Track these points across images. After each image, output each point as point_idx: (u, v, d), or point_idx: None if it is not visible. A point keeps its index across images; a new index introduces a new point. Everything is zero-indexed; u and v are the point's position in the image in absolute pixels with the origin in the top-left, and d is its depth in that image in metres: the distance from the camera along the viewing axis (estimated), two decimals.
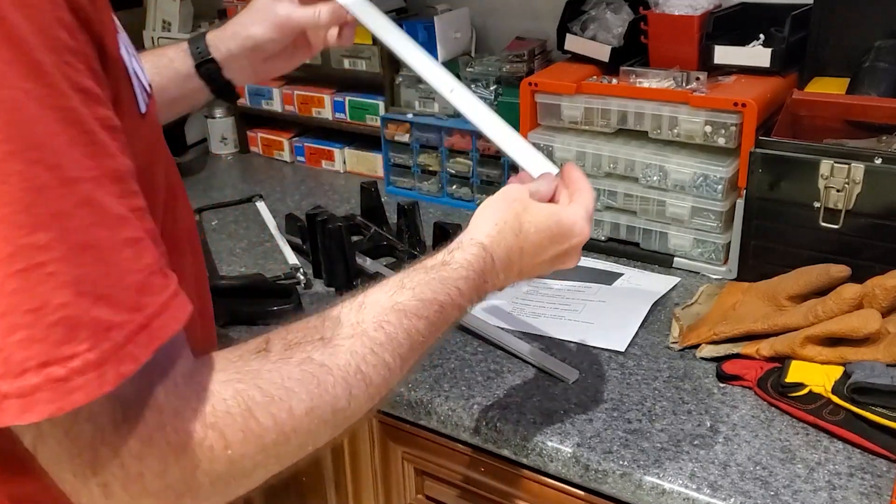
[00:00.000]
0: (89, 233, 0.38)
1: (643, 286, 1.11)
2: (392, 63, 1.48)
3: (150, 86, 0.56)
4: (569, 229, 0.69)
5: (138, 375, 0.39)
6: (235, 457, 0.44)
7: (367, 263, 1.16)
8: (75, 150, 0.38)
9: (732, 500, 0.73)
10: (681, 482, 0.76)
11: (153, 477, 0.41)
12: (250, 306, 1.07)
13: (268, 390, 0.46)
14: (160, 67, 0.89)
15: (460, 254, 0.64)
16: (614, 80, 1.16)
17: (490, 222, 0.67)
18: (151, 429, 0.41)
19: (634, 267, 1.17)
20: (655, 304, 1.06)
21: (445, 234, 1.11)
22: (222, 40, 0.90)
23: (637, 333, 1.00)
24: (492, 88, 1.35)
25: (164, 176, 0.59)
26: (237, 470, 0.45)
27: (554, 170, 0.75)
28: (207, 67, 0.90)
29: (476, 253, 0.64)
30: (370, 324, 0.54)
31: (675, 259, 1.16)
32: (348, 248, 1.12)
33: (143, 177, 0.45)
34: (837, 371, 0.83)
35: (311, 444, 0.50)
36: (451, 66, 1.41)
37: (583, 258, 1.19)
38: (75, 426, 0.39)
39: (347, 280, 1.12)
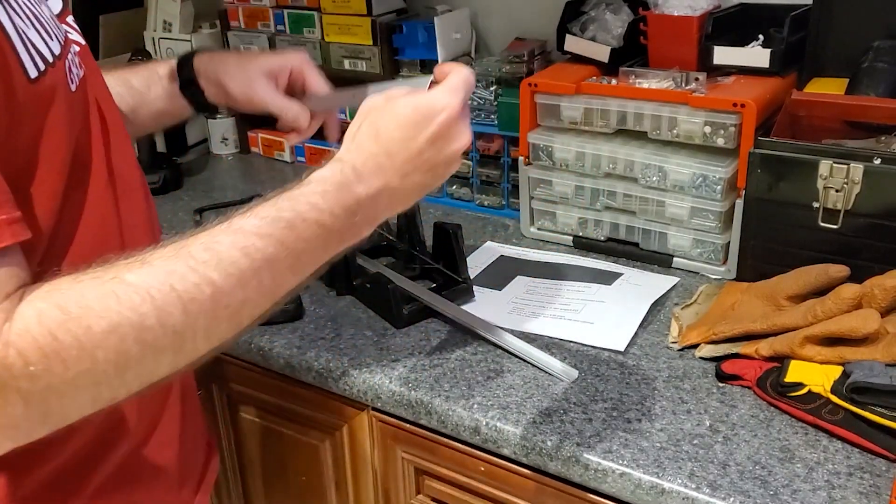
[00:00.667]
0: None
1: (642, 286, 1.11)
2: (392, 64, 1.48)
3: (52, 53, 0.58)
4: (428, 107, 0.65)
5: None
6: (38, 372, 0.47)
7: (367, 263, 1.17)
8: None
9: (732, 499, 0.74)
10: (680, 482, 0.76)
11: None
12: None
13: (66, 307, 0.49)
14: (150, 81, 0.92)
15: (316, 172, 0.63)
16: (614, 81, 1.16)
17: (346, 139, 0.66)
18: None
19: (634, 267, 1.17)
20: (655, 303, 1.06)
21: (445, 234, 1.11)
22: (206, 73, 0.91)
23: (636, 333, 1.00)
24: (492, 89, 1.35)
25: (69, 153, 0.61)
26: (47, 389, 0.48)
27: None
28: (192, 90, 0.92)
29: (331, 167, 0.63)
30: (198, 245, 0.54)
31: (675, 259, 1.16)
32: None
33: (14, 144, 0.52)
34: (836, 371, 0.83)
35: (134, 366, 0.51)
36: None
37: (582, 258, 1.21)
38: None
39: (348, 280, 1.12)
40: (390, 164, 0.64)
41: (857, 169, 0.95)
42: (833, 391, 0.81)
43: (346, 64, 1.53)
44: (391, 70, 1.48)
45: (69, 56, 0.62)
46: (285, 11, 1.57)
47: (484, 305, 1.08)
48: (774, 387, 0.85)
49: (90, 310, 0.49)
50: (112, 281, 0.51)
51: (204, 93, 0.92)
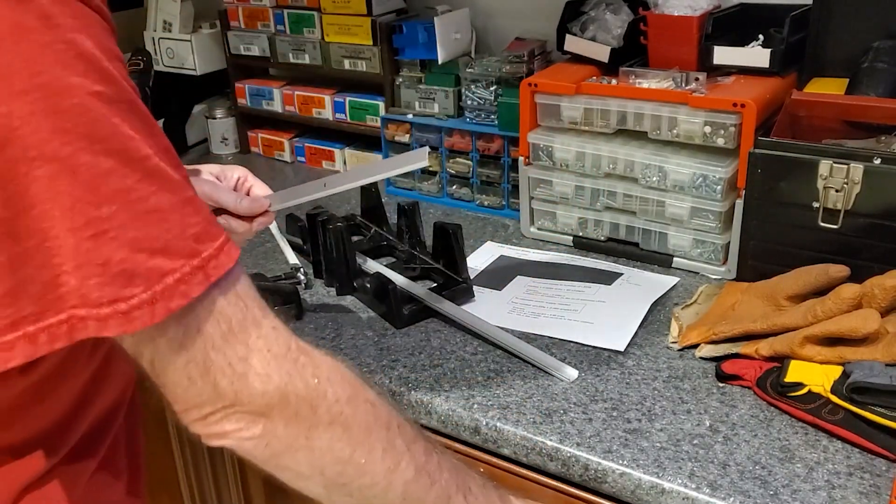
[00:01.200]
0: (151, 200, 0.49)
1: (642, 286, 1.11)
2: (392, 64, 1.48)
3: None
4: None
5: (216, 301, 0.52)
6: (320, 387, 0.57)
7: (368, 263, 1.17)
8: (137, 135, 0.49)
9: (732, 499, 0.74)
10: (680, 481, 0.76)
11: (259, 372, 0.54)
12: None
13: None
14: None
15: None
16: (614, 81, 1.16)
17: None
18: (251, 336, 0.54)
19: (634, 267, 1.17)
20: (655, 303, 1.06)
21: (445, 234, 1.11)
22: None
23: (636, 333, 1.00)
24: (492, 89, 1.35)
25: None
26: (314, 403, 0.56)
27: None
28: None
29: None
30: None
31: (675, 259, 1.16)
32: (348, 248, 1.12)
33: None
34: (836, 371, 0.83)
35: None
36: (451, 66, 1.42)
37: (582, 258, 1.21)
38: (186, 337, 0.52)
39: (348, 280, 1.13)
40: None
41: (857, 169, 0.95)
42: (833, 391, 0.81)
43: (347, 64, 1.53)
44: (391, 70, 1.48)
45: None
46: (285, 11, 1.57)
47: (484, 305, 1.08)
48: (774, 387, 0.85)
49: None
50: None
51: None
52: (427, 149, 0.79)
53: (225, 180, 0.91)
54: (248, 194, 0.91)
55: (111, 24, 0.51)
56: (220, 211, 0.89)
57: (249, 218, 0.89)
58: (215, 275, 0.51)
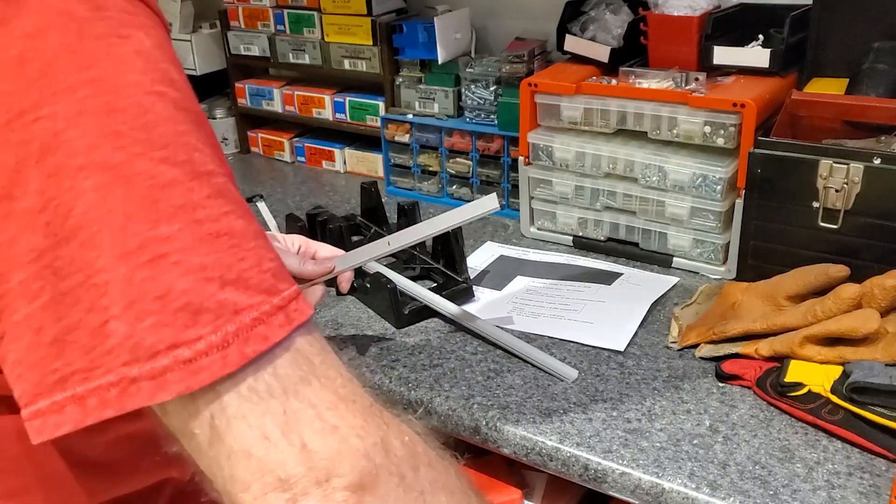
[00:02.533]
0: (223, 221, 0.40)
1: (642, 286, 1.11)
2: (392, 64, 1.48)
3: None
4: None
5: (298, 345, 0.41)
6: (412, 445, 0.45)
7: (368, 263, 1.16)
8: (207, 147, 0.42)
9: (731, 499, 0.74)
10: (680, 481, 0.76)
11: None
12: None
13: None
14: None
15: None
16: (614, 81, 1.16)
17: None
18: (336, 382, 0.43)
19: (634, 267, 1.17)
20: (654, 303, 1.06)
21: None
22: None
23: (636, 333, 1.00)
24: (492, 89, 1.35)
25: None
26: (414, 463, 0.44)
27: None
28: None
29: None
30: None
31: (675, 259, 1.16)
32: (349, 248, 1.12)
33: None
34: (836, 371, 0.83)
35: None
36: (451, 66, 1.42)
37: (582, 258, 1.21)
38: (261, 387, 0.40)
39: None
40: None
41: (857, 169, 0.95)
42: (833, 391, 0.81)
43: (346, 64, 1.53)
44: (391, 70, 1.48)
45: None
46: (285, 11, 1.57)
47: (484, 305, 1.08)
48: (774, 387, 0.85)
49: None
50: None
51: None
52: (495, 195, 0.78)
53: (285, 246, 0.86)
54: (313, 258, 0.86)
55: (167, 27, 0.46)
56: None
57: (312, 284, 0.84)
58: (298, 319, 0.41)
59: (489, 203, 0.81)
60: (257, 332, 0.39)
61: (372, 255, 0.85)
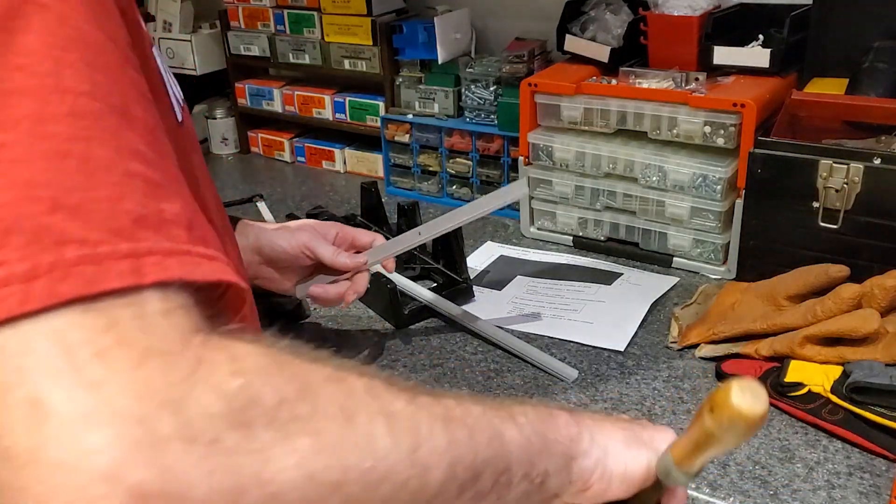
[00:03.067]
0: (79, 144, 0.34)
1: (642, 286, 1.11)
2: (392, 64, 1.48)
3: (183, 100, 0.56)
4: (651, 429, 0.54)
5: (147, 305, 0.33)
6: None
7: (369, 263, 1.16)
8: (100, 74, 0.37)
9: (731, 499, 0.74)
10: None
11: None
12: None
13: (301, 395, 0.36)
14: None
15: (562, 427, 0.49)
16: (614, 81, 1.16)
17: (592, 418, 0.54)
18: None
19: (634, 267, 1.17)
20: (655, 303, 1.06)
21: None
22: (246, 247, 0.87)
23: (636, 333, 1.00)
24: (492, 89, 1.35)
25: (197, 192, 0.56)
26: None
27: None
28: None
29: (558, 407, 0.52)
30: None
31: (675, 259, 1.16)
32: (348, 248, 1.12)
33: None
34: (836, 371, 0.83)
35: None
36: (451, 66, 1.42)
37: (582, 258, 1.21)
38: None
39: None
40: (602, 431, 0.51)
41: (857, 169, 0.95)
42: (833, 391, 0.81)
43: (346, 64, 1.53)
44: (391, 70, 1.48)
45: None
46: (285, 11, 1.57)
47: (484, 305, 1.08)
48: (774, 387, 0.85)
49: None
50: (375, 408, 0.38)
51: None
52: (525, 180, 0.79)
53: (327, 236, 0.88)
54: (351, 245, 0.88)
55: (133, 15, 0.43)
56: (317, 272, 0.88)
57: (342, 284, 0.86)
58: (154, 276, 0.33)
59: (519, 189, 0.81)
60: (81, 272, 0.31)
61: (404, 245, 0.88)
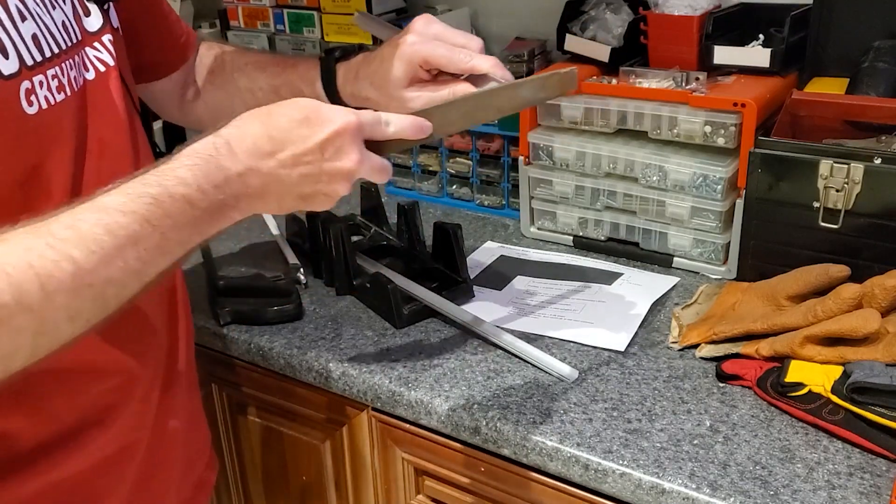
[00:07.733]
0: None
1: (643, 286, 1.11)
2: None
3: (4, 74, 0.56)
4: (324, 114, 0.62)
5: None
6: None
7: (367, 263, 1.16)
8: None
9: (732, 499, 0.73)
10: (680, 482, 0.76)
11: None
12: (250, 306, 1.07)
13: None
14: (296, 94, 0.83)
15: (189, 146, 0.59)
16: (614, 81, 1.16)
17: (234, 119, 0.62)
18: None
19: (634, 267, 1.17)
20: (655, 303, 1.06)
21: (445, 234, 1.11)
22: (349, 84, 0.87)
23: (637, 333, 1.00)
24: None
25: (59, 174, 0.60)
26: None
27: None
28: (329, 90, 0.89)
29: (205, 140, 0.60)
30: (59, 223, 0.52)
31: (675, 259, 1.16)
32: (348, 248, 1.12)
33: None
34: (837, 371, 0.83)
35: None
36: None
37: (583, 258, 1.21)
38: None
39: (348, 280, 1.12)
40: (269, 149, 0.61)
41: (858, 169, 0.95)
42: (833, 391, 0.81)
43: None
44: None
45: (41, 76, 0.59)
46: (285, 11, 1.57)
47: (484, 305, 1.08)
48: (775, 387, 0.85)
49: None
50: None
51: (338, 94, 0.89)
52: (575, 69, 0.70)
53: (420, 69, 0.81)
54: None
55: None
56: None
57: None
58: None
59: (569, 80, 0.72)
60: None
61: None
